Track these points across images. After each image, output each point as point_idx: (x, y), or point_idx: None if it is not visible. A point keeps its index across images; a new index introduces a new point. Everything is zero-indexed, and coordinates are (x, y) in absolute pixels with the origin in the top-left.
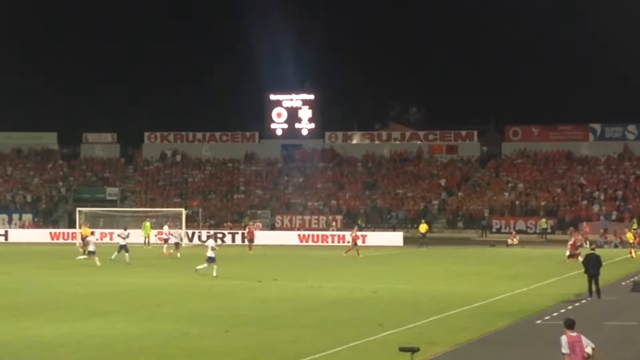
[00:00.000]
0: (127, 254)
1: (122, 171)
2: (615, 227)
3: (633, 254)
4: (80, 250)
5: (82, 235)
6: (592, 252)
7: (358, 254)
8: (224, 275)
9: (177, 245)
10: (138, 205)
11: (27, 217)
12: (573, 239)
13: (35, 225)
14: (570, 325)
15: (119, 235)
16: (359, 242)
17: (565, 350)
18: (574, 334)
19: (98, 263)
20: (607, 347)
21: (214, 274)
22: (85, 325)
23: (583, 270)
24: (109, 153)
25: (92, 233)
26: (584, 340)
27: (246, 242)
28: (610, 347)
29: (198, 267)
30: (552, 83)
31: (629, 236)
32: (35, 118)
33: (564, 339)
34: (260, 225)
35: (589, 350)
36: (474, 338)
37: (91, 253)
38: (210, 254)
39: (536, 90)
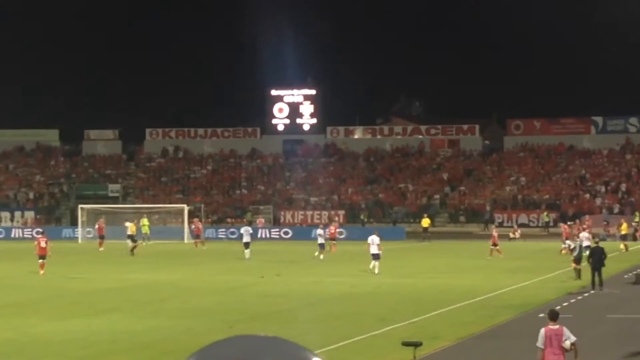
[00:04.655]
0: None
1: (124, 168)
2: (618, 220)
3: (622, 246)
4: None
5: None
6: (595, 244)
7: (331, 249)
8: (227, 271)
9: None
10: (140, 201)
11: (30, 214)
12: (564, 232)
13: (38, 222)
14: (553, 317)
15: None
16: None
17: (540, 345)
18: (556, 326)
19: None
20: (610, 340)
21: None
22: (90, 322)
23: (586, 262)
24: (111, 150)
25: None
26: (566, 333)
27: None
28: (613, 339)
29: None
30: (553, 76)
31: (624, 227)
32: (37, 115)
33: (541, 332)
34: (263, 220)
35: (566, 344)
36: (477, 332)
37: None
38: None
39: (538, 83)
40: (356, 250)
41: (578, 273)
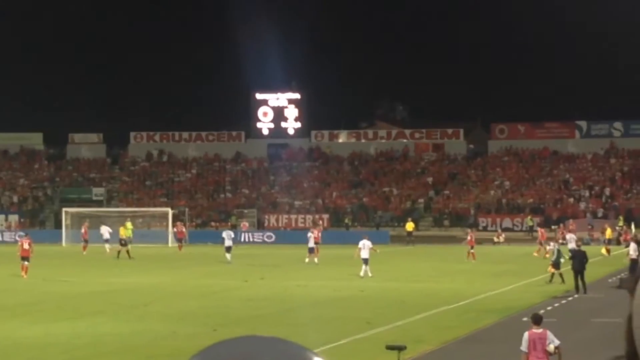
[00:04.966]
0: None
1: (108, 171)
2: (602, 224)
3: (604, 251)
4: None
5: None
6: (578, 248)
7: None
8: (211, 275)
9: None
10: (124, 205)
11: (14, 217)
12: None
13: (22, 226)
14: (536, 321)
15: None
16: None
17: (524, 348)
18: (540, 330)
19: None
20: (594, 344)
21: None
22: (74, 325)
23: (570, 267)
24: (95, 153)
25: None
26: (550, 337)
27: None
28: (597, 343)
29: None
30: (538, 81)
31: (608, 232)
32: (22, 119)
33: (525, 336)
34: (247, 224)
35: (550, 347)
36: (461, 336)
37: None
38: None
39: (522, 87)
40: (340, 254)
41: (555, 277)
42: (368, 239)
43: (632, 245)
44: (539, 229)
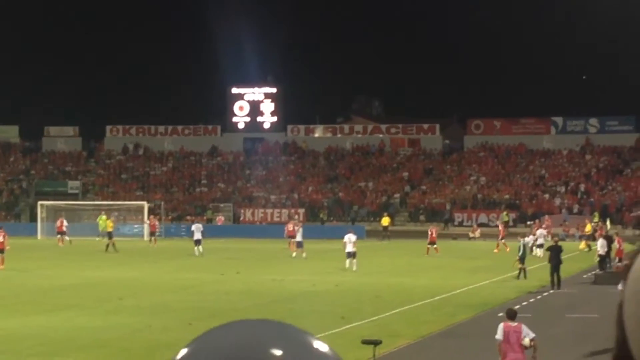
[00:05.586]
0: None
1: (84, 165)
2: (577, 220)
3: (583, 246)
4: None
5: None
6: (554, 244)
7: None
8: (186, 269)
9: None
10: (100, 198)
11: None
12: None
13: None
14: (511, 315)
15: None
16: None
17: (498, 336)
18: (514, 324)
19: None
20: (569, 339)
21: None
22: (49, 319)
23: (546, 261)
24: (71, 146)
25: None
26: (525, 330)
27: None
28: (572, 339)
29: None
30: (514, 76)
31: (588, 228)
32: None
33: (500, 327)
34: (223, 218)
35: (526, 341)
36: (437, 330)
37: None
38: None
39: (498, 83)
40: (316, 249)
41: (523, 272)
42: (353, 233)
43: (601, 242)
44: (498, 224)
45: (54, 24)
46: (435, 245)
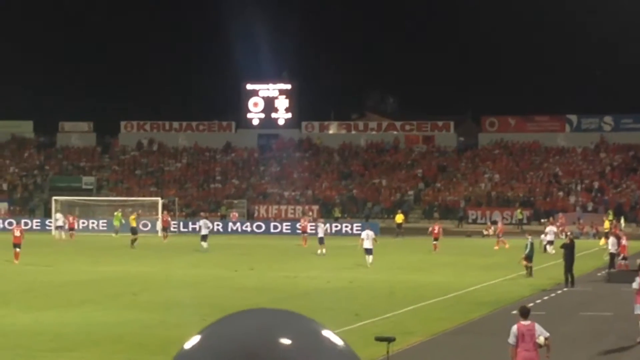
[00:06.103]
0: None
1: (98, 160)
2: (591, 218)
3: (603, 242)
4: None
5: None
6: (569, 241)
7: (304, 243)
8: (200, 264)
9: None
10: (114, 194)
11: (3, 205)
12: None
13: (11, 214)
14: (524, 313)
15: None
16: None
17: (511, 341)
18: (527, 322)
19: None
20: (582, 337)
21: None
22: (62, 314)
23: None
24: (86, 142)
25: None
26: (538, 329)
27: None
28: (585, 337)
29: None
30: (529, 74)
31: (606, 225)
32: (12, 107)
33: (514, 329)
34: (237, 214)
35: (540, 339)
36: (450, 328)
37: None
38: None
39: (513, 81)
40: (329, 246)
41: (529, 270)
42: (371, 229)
43: (612, 240)
44: (498, 222)
45: (69, 18)
46: (435, 242)
